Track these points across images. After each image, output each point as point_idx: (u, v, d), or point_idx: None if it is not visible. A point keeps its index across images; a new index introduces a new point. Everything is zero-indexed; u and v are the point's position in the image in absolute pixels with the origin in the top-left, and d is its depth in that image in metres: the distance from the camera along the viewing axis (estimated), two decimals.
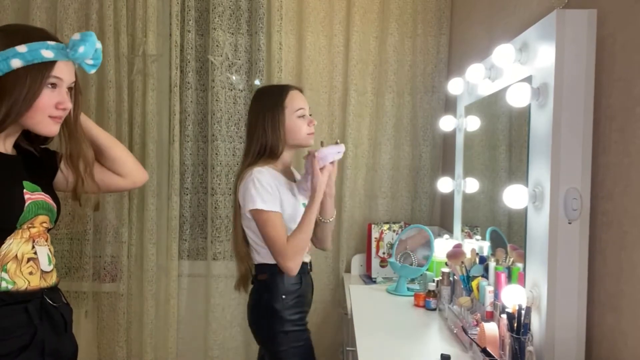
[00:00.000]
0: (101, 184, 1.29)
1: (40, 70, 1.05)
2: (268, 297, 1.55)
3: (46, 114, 1.08)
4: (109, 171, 1.31)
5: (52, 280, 1.15)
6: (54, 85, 1.08)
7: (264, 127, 1.58)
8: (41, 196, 1.14)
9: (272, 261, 1.54)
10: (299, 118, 1.58)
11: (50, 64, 1.06)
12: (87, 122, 1.27)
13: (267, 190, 1.47)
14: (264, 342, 1.59)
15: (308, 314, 1.64)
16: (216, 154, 2.31)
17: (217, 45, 2.29)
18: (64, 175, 1.23)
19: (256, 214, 1.47)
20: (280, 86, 1.68)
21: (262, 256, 1.57)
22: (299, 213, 1.55)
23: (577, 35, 1.07)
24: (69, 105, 1.11)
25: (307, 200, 1.57)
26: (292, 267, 1.45)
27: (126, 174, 1.33)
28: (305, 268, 1.62)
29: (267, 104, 1.60)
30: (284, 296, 1.54)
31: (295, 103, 1.58)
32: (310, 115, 1.63)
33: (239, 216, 1.58)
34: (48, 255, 1.15)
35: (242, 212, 1.54)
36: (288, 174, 1.64)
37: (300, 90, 1.66)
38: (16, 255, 1.08)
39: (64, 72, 1.09)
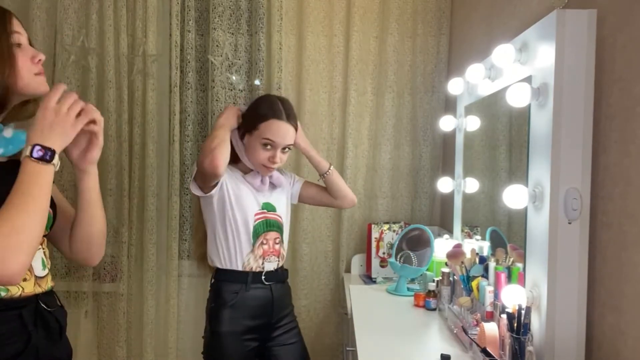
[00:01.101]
0: (55, 233, 1.16)
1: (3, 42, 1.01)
2: (208, 302, 1.61)
3: (31, 72, 1.03)
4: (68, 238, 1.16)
5: (46, 285, 1.12)
6: (19, 46, 1.04)
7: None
8: None
9: (215, 264, 1.59)
10: (262, 147, 1.53)
11: (7, 31, 1.02)
12: (89, 178, 1.09)
13: None
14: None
15: (254, 328, 1.54)
16: None
17: (217, 45, 2.29)
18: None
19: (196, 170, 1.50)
20: (272, 107, 1.55)
21: (211, 257, 1.61)
22: (250, 204, 1.56)
23: (577, 35, 1.07)
24: (43, 55, 1.07)
25: (269, 201, 1.61)
26: (205, 161, 1.40)
27: (77, 252, 1.17)
28: (253, 278, 1.54)
29: (252, 112, 1.58)
30: (213, 305, 1.55)
31: (267, 132, 1.52)
32: (284, 151, 1.56)
33: (199, 211, 1.63)
34: (42, 259, 1.11)
35: (200, 198, 1.57)
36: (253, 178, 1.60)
37: (295, 127, 1.58)
38: None
39: (20, 28, 1.06)
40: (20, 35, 1.05)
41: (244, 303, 1.53)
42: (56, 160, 0.92)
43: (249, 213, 1.55)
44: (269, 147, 1.54)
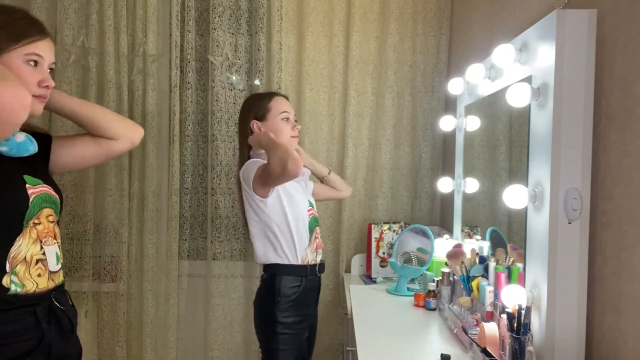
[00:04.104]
0: (100, 153, 1.30)
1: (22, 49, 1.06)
2: (265, 297, 1.62)
3: (31, 91, 1.06)
4: (103, 138, 1.30)
5: (59, 279, 1.15)
6: (35, 63, 1.08)
7: (246, 133, 1.68)
8: (44, 188, 1.13)
9: (272, 261, 1.61)
10: (282, 121, 1.68)
11: (31, 41, 1.07)
12: (62, 98, 1.24)
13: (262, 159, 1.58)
14: (259, 339, 1.65)
15: (308, 316, 1.66)
16: (216, 154, 2.31)
17: (217, 45, 2.29)
18: (56, 158, 1.23)
19: (260, 169, 1.52)
20: (266, 92, 1.80)
21: (265, 255, 1.63)
22: (302, 201, 1.64)
23: (577, 35, 1.07)
24: (52, 82, 1.12)
25: (309, 199, 1.71)
26: (288, 163, 1.37)
27: (117, 136, 1.31)
28: (310, 270, 1.64)
29: (253, 108, 1.70)
30: (278, 299, 1.58)
31: (279, 106, 1.68)
32: (295, 120, 1.73)
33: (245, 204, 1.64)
34: (57, 253, 1.15)
35: (252, 195, 1.56)
36: None
37: (286, 98, 1.76)
38: (25, 257, 1.07)
39: (45, 51, 1.10)
40: (39, 57, 1.08)
41: (303, 294, 1.62)
42: None
43: (303, 210, 1.64)
44: (287, 119, 1.69)
